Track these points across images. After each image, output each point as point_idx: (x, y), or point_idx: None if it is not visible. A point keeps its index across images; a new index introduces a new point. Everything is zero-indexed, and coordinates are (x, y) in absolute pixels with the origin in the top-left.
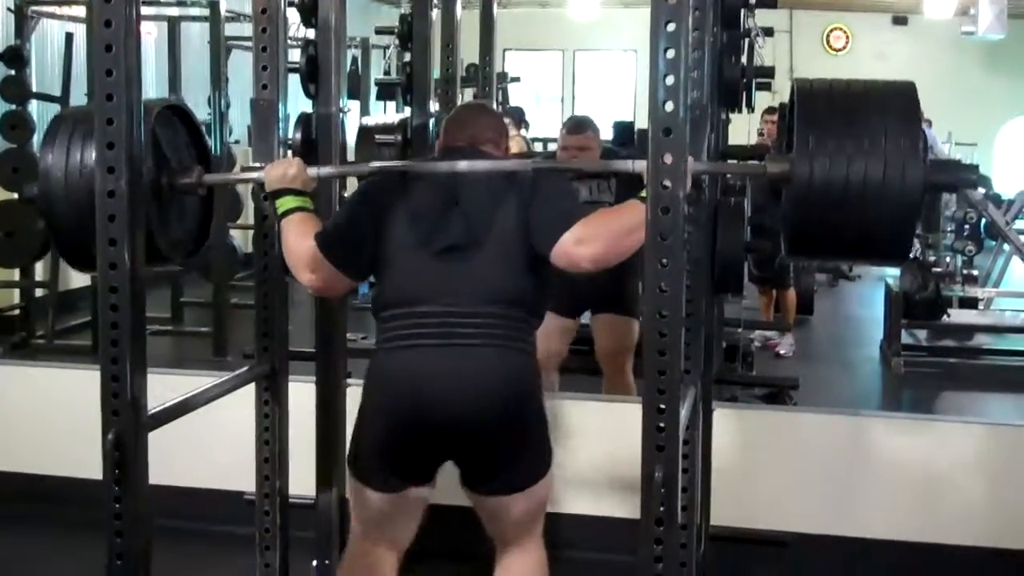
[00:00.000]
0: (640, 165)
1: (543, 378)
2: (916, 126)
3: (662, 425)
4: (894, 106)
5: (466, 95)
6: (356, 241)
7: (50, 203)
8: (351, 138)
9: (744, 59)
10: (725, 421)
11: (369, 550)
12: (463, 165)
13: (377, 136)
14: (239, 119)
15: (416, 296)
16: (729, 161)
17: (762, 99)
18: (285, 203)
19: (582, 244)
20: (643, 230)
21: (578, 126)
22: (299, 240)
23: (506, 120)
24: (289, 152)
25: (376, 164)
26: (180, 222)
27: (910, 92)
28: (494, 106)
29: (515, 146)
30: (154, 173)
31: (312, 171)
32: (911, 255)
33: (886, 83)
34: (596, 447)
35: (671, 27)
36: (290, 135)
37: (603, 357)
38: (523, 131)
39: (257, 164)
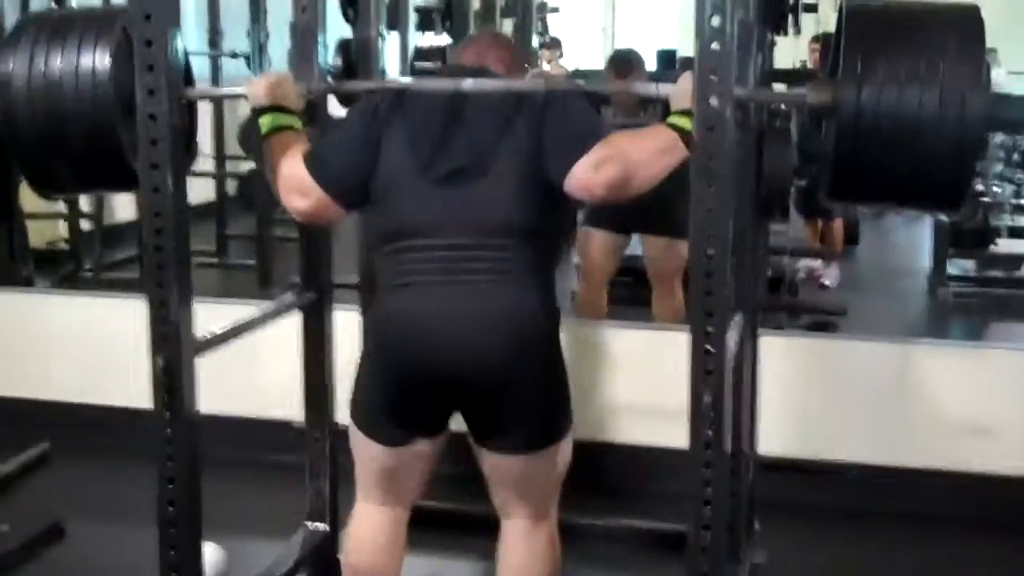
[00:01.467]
0: (665, 88)
1: (588, 295)
2: (979, 51)
3: (710, 348)
4: (955, 28)
5: (506, 25)
6: (351, 166)
7: (10, 116)
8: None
9: None
10: (772, 349)
11: (373, 510)
12: (469, 83)
13: (416, 63)
14: (278, 52)
15: (417, 228)
16: (775, 85)
17: (807, 23)
18: (271, 121)
19: (600, 167)
20: (669, 156)
21: (624, 65)
22: (286, 162)
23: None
24: (329, 79)
25: (373, 82)
26: None
27: (974, 14)
28: (533, 35)
29: (555, 73)
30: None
31: (301, 87)
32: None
33: (947, 4)
34: (644, 375)
35: None
36: (330, 60)
37: (654, 277)
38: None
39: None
